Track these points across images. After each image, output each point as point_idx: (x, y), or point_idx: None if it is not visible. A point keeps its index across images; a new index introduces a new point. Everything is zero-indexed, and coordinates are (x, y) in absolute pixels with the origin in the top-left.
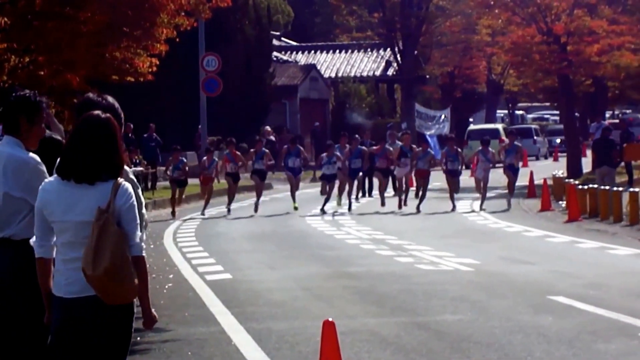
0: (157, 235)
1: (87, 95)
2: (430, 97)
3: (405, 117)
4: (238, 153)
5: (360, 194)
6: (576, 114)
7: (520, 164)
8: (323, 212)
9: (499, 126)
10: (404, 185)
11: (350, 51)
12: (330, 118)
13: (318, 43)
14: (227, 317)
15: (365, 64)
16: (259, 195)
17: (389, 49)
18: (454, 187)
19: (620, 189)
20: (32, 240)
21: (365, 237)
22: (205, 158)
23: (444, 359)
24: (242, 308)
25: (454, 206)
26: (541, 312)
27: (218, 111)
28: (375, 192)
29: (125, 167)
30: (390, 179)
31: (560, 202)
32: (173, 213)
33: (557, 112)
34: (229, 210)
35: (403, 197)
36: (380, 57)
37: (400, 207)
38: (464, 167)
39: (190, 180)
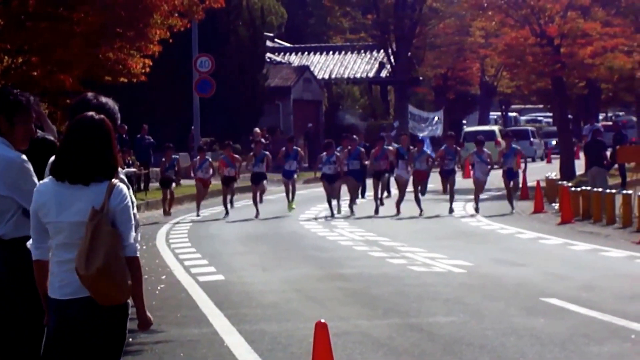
0: (150, 236)
1: (84, 95)
2: (423, 99)
3: (399, 118)
4: (236, 156)
5: (385, 194)
6: (569, 116)
7: (522, 165)
8: (332, 215)
9: (495, 128)
10: (404, 190)
11: (343, 53)
12: (324, 119)
13: (311, 44)
14: (219, 318)
15: (358, 65)
16: (257, 200)
17: (382, 51)
18: (449, 188)
19: (613, 191)
20: (29, 243)
21: (358, 238)
22: (197, 158)
23: None
24: (235, 309)
25: (451, 209)
26: (534, 314)
27: (211, 112)
28: (369, 194)
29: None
30: (387, 180)
31: (553, 204)
32: (168, 212)
33: (551, 114)
34: (227, 213)
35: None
36: (373, 58)
37: (398, 212)
38: (459, 166)
39: (183, 181)
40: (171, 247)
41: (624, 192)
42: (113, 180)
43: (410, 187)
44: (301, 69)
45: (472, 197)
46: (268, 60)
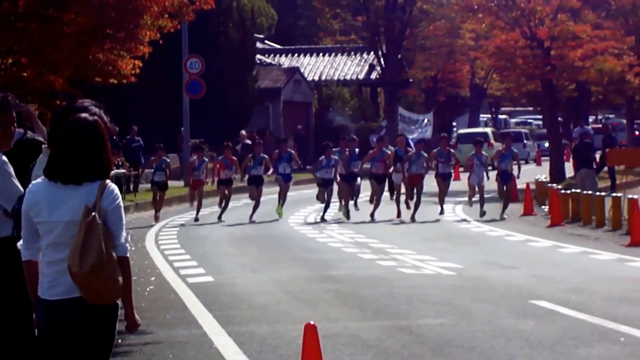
0: (139, 237)
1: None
2: (413, 101)
3: (389, 120)
4: (234, 158)
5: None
6: (559, 118)
7: (515, 169)
8: (323, 220)
9: (488, 130)
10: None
11: (333, 54)
12: (314, 121)
13: (302, 46)
14: (208, 320)
15: (348, 67)
16: (256, 204)
17: (372, 53)
18: (444, 190)
19: (603, 193)
20: (19, 244)
21: (347, 240)
22: (195, 157)
23: None
24: (224, 311)
25: (442, 210)
26: (523, 317)
27: (201, 114)
28: (362, 197)
29: None
30: (386, 185)
31: (543, 207)
32: (156, 218)
33: (540, 116)
34: (220, 219)
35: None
36: (363, 60)
37: (399, 215)
38: (459, 167)
39: (172, 183)
40: (160, 249)
41: (614, 194)
42: (105, 180)
43: (402, 189)
44: (291, 70)
45: (464, 199)
46: (258, 61)
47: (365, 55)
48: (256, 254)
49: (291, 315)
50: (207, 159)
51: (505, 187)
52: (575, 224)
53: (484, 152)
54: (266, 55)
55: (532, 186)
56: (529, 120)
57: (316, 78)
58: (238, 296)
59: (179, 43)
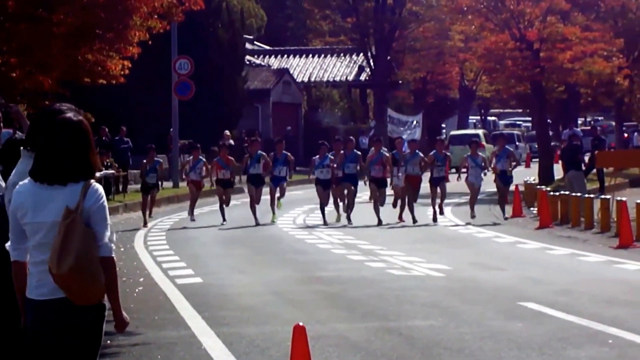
0: (128, 238)
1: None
2: (402, 102)
3: (378, 122)
4: (231, 158)
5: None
6: (548, 120)
7: (514, 167)
8: (325, 224)
9: (480, 131)
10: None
11: (323, 56)
12: (303, 122)
13: (291, 47)
14: (197, 321)
15: (338, 68)
16: (254, 205)
17: (362, 54)
18: (440, 195)
19: (592, 195)
20: (8, 244)
21: (336, 241)
22: (190, 157)
23: None
24: (213, 312)
25: (441, 212)
26: (512, 318)
27: (190, 114)
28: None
29: None
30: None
31: (532, 209)
32: (145, 223)
33: (530, 118)
34: (223, 219)
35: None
36: (353, 62)
37: (400, 218)
38: (450, 170)
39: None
40: (149, 250)
41: (603, 196)
42: (90, 180)
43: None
44: (280, 71)
45: (452, 201)
46: (247, 62)
47: (354, 56)
48: (245, 255)
49: (280, 317)
50: (203, 159)
51: (507, 187)
52: (564, 226)
53: (479, 153)
54: (255, 56)
55: (521, 188)
56: (518, 122)
57: (305, 79)
58: (227, 297)
59: (168, 44)
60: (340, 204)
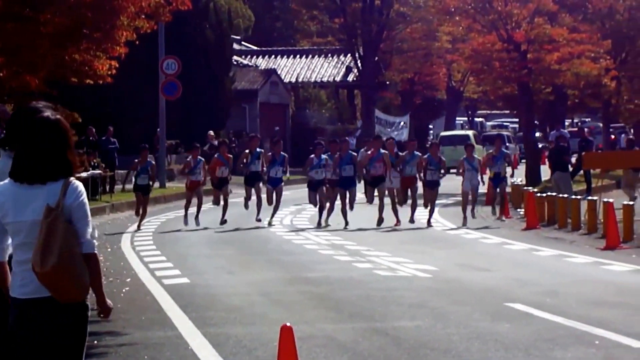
0: (115, 238)
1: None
2: (390, 103)
3: (365, 123)
4: (230, 155)
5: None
6: (536, 121)
7: (509, 171)
8: (319, 225)
9: (470, 132)
10: (396, 197)
11: (310, 56)
12: (290, 123)
13: (278, 48)
14: (184, 321)
15: (325, 69)
16: (259, 204)
17: (349, 55)
18: (431, 199)
19: (579, 197)
20: None
21: (323, 242)
22: (190, 158)
23: None
24: (200, 312)
25: (430, 221)
26: (498, 319)
27: (177, 115)
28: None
29: None
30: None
31: (519, 210)
32: (139, 225)
33: (517, 119)
34: (223, 221)
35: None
36: (340, 62)
37: (398, 222)
38: (444, 174)
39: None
40: (136, 250)
41: (590, 198)
42: (69, 178)
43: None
44: (268, 72)
45: (441, 202)
46: (235, 63)
47: (342, 57)
48: (232, 255)
49: (267, 317)
50: (202, 159)
51: (498, 190)
52: (550, 227)
53: (475, 156)
54: (243, 57)
55: (508, 189)
56: (505, 124)
57: (293, 80)
58: (214, 298)
59: (156, 44)
60: (327, 206)
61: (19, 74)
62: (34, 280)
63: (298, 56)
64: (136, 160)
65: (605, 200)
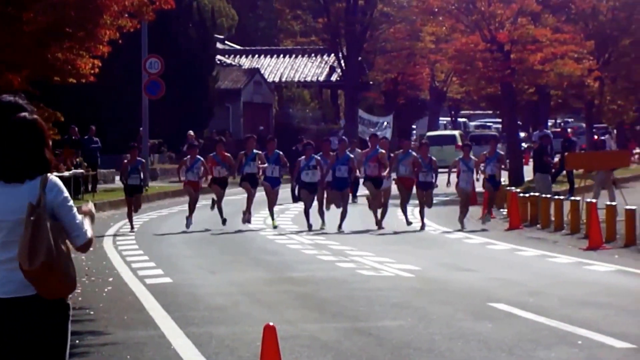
0: (97, 238)
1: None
2: (373, 103)
3: (348, 122)
4: (227, 154)
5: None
6: (519, 122)
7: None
8: (310, 228)
9: (456, 132)
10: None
11: (294, 56)
12: (274, 122)
13: (262, 47)
14: (167, 321)
15: (309, 69)
16: (249, 206)
17: (333, 55)
18: (426, 202)
19: (562, 197)
20: None
21: (307, 242)
22: (188, 157)
23: None
24: (182, 312)
25: (423, 224)
26: (481, 319)
27: (160, 114)
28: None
29: None
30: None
31: (502, 210)
32: (132, 227)
33: (500, 120)
34: (224, 221)
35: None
36: (324, 62)
37: (379, 226)
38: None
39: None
40: (118, 249)
41: (572, 198)
42: (47, 174)
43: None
44: (251, 71)
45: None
46: (218, 62)
47: (325, 57)
48: (215, 255)
49: (250, 317)
50: (201, 158)
51: (496, 192)
52: (533, 227)
53: (472, 157)
54: (226, 56)
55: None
56: (489, 124)
57: (276, 79)
58: (197, 297)
59: (139, 43)
60: (326, 211)
61: (1, 73)
62: (15, 279)
63: (281, 56)
64: (125, 160)
65: (588, 200)
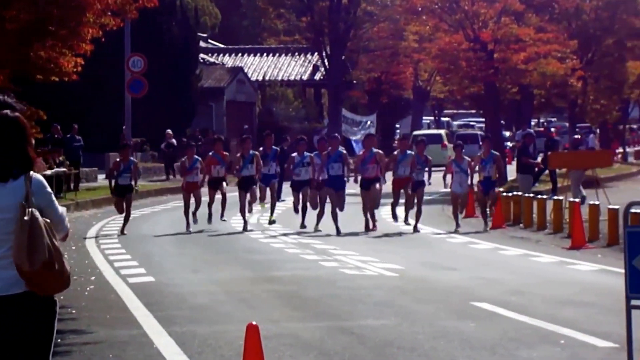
0: (79, 237)
1: None
2: (357, 102)
3: (332, 121)
4: (226, 153)
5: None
6: (502, 121)
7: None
8: (303, 226)
9: (442, 132)
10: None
11: (277, 55)
12: (257, 121)
13: (245, 46)
14: (149, 320)
15: (292, 67)
16: (246, 211)
17: (316, 53)
18: (418, 201)
19: (545, 196)
20: None
21: (290, 241)
22: (185, 158)
23: None
24: (165, 311)
25: (416, 226)
26: (464, 318)
27: (143, 112)
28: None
29: None
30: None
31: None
32: (122, 231)
33: (483, 119)
34: (209, 219)
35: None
36: (307, 61)
37: (368, 228)
38: (430, 173)
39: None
40: (101, 248)
41: (555, 197)
42: (30, 172)
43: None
44: (235, 70)
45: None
46: (201, 60)
47: (309, 55)
48: (198, 254)
49: (233, 316)
50: (199, 158)
51: (488, 196)
52: (516, 227)
53: (465, 157)
54: (209, 55)
55: (475, 188)
56: (472, 123)
57: (260, 78)
58: (179, 296)
59: (122, 41)
60: (315, 211)
61: None
62: (3, 276)
63: (265, 54)
64: (117, 159)
65: (571, 199)
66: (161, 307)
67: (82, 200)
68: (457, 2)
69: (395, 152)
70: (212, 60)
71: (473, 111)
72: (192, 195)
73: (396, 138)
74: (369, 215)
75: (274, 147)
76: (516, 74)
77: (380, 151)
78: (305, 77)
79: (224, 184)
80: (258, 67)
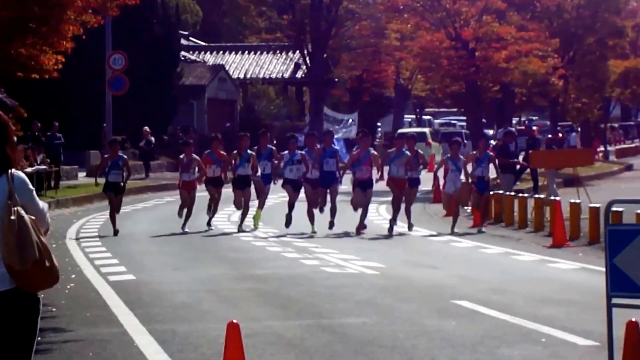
0: (60, 234)
1: None
2: (338, 101)
3: (314, 120)
4: (223, 153)
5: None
6: (483, 120)
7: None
8: (289, 223)
9: (426, 130)
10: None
11: (259, 52)
12: (239, 119)
13: (227, 44)
14: (130, 318)
15: (274, 65)
16: (240, 206)
17: (298, 51)
18: (409, 199)
19: (526, 195)
20: None
21: (271, 239)
22: (183, 155)
23: None
24: (146, 309)
25: (410, 224)
26: (445, 317)
27: (124, 110)
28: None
29: None
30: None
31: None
32: (116, 231)
33: (464, 117)
34: (209, 225)
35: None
36: (289, 59)
37: (360, 230)
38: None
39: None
40: (81, 246)
41: (536, 196)
42: (11, 170)
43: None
44: (216, 68)
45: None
46: (182, 58)
47: (290, 53)
48: (179, 252)
49: (213, 314)
50: (196, 157)
51: (482, 197)
52: (497, 225)
53: (461, 156)
54: (191, 52)
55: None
56: (453, 122)
57: (241, 76)
58: (160, 294)
59: (103, 38)
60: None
61: None
62: None
63: (246, 52)
64: (106, 155)
65: (552, 198)
66: (142, 305)
67: (62, 198)
68: (439, 1)
69: (390, 150)
70: (193, 57)
71: (454, 110)
72: (188, 195)
73: (377, 136)
74: (360, 217)
75: (268, 145)
76: (497, 73)
77: (376, 152)
78: (286, 75)
79: (221, 187)
80: (239, 64)
